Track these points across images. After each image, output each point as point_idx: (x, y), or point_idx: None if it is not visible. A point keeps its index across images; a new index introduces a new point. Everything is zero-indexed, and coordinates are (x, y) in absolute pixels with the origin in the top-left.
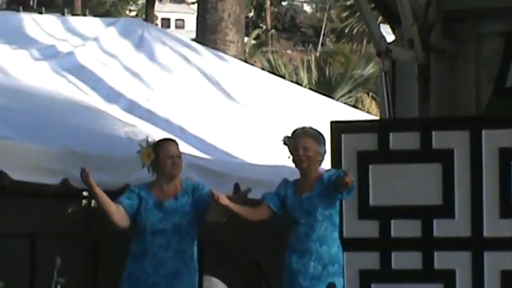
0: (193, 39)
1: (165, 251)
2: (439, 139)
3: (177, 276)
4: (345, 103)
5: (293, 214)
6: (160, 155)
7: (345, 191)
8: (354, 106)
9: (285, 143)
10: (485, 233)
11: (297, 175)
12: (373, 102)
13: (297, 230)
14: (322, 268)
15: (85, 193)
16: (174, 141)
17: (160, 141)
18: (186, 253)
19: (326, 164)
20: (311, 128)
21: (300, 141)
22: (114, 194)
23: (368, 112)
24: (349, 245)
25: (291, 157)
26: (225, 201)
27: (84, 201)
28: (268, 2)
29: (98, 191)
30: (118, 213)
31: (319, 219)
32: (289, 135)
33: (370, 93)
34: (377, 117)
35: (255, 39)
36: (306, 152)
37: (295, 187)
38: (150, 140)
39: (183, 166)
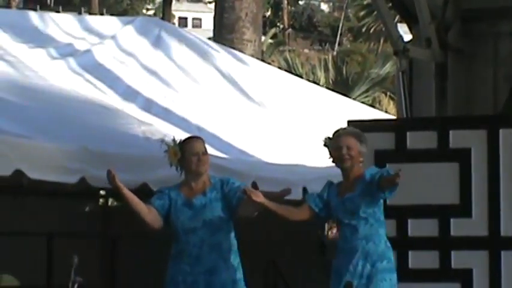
0: (210, 38)
1: (199, 248)
2: (456, 138)
3: (214, 272)
4: (362, 102)
5: (337, 215)
6: (186, 152)
7: (387, 190)
8: (371, 105)
9: (325, 144)
10: (503, 232)
11: (315, 174)
12: (391, 102)
13: (343, 231)
14: (371, 266)
15: (102, 192)
16: (200, 138)
17: (186, 139)
18: (221, 247)
19: None
20: (353, 128)
21: (343, 140)
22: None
23: (386, 112)
24: None
25: (331, 158)
26: (259, 198)
27: (101, 200)
28: (286, 1)
29: (127, 192)
30: (150, 214)
31: (363, 218)
32: (330, 136)
33: (388, 93)
34: (394, 117)
35: (272, 38)
36: (349, 151)
37: (338, 189)
38: (176, 138)
39: None
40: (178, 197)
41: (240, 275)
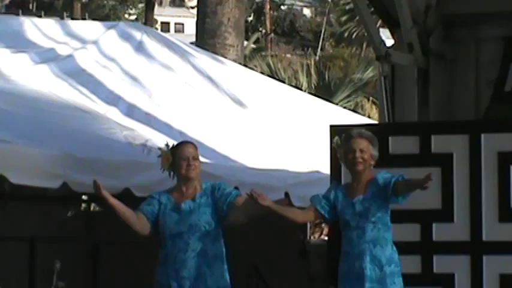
0: (192, 43)
1: (184, 253)
2: (439, 143)
3: (199, 278)
4: (345, 107)
5: (343, 217)
6: (176, 157)
7: (402, 195)
8: (354, 110)
9: (335, 145)
10: (484, 237)
11: (297, 179)
12: (374, 107)
13: (348, 234)
14: (380, 270)
15: (84, 197)
16: (192, 143)
17: (178, 144)
18: (207, 254)
19: (326, 167)
20: (366, 131)
21: (357, 143)
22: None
23: (369, 117)
24: None
25: (342, 159)
26: (266, 201)
27: (83, 205)
28: (268, 6)
29: (113, 201)
30: (139, 223)
31: (371, 221)
32: (341, 137)
33: (370, 98)
34: (377, 122)
35: (254, 43)
36: (363, 155)
37: (346, 190)
38: (169, 144)
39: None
40: (168, 201)
41: (225, 282)
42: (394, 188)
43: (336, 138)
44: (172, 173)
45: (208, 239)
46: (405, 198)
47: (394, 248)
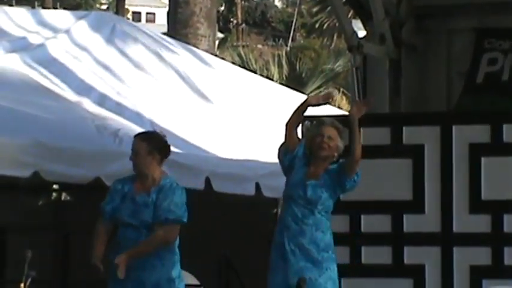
0: (164, 33)
1: (134, 243)
2: (410, 134)
3: (147, 269)
4: None
5: (292, 191)
6: None
7: (350, 177)
8: None
9: (306, 127)
10: (455, 229)
11: (268, 169)
12: (344, 98)
13: (293, 208)
14: (317, 252)
15: (55, 186)
16: (140, 136)
17: None
18: None
19: None
20: (336, 121)
21: (327, 130)
22: (84, 188)
23: (339, 107)
24: None
25: (308, 143)
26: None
27: (54, 194)
28: None
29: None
30: (107, 239)
31: (318, 208)
32: (312, 123)
33: (341, 89)
34: (347, 113)
35: (223, 32)
36: (329, 142)
37: (307, 167)
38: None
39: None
40: (130, 190)
41: (176, 273)
42: (344, 168)
43: (307, 122)
44: None
45: None
46: (355, 182)
47: (332, 236)
